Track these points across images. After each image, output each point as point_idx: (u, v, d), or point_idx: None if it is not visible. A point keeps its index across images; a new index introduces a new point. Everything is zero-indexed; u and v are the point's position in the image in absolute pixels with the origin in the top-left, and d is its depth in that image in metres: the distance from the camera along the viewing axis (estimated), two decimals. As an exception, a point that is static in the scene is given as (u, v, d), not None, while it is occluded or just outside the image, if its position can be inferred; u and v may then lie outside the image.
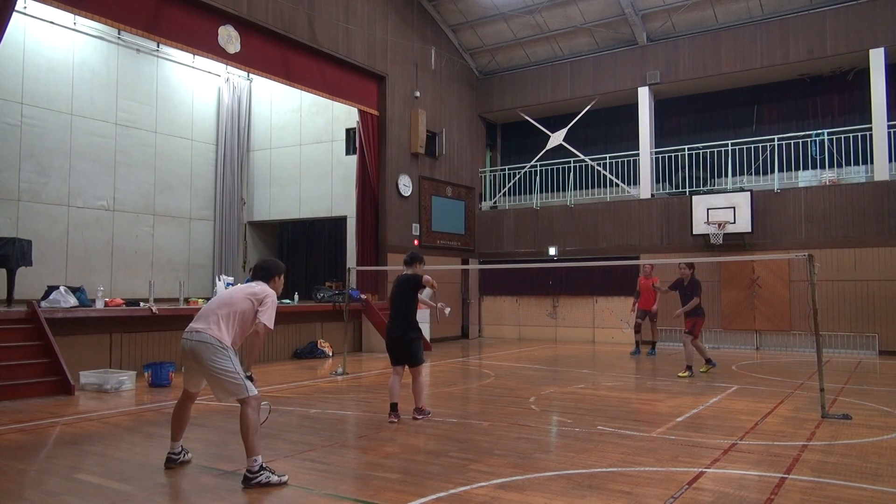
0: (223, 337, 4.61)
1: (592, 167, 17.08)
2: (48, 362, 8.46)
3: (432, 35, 17.01)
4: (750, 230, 14.20)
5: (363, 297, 14.06)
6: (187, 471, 4.88)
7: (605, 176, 16.93)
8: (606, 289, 16.31)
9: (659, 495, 4.25)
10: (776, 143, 14.90)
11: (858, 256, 13.62)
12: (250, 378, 4.64)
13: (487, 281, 18.08)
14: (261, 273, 5.03)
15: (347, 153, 16.42)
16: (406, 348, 6.74)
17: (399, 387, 6.74)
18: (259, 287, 4.84)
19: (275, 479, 4.41)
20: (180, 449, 4.98)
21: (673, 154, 16.14)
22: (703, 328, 14.87)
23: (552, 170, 17.69)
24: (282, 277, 5.12)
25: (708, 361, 10.70)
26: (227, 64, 13.25)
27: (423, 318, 15.01)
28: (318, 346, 12.97)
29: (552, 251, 17.01)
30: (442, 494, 4.26)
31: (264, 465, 4.44)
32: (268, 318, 4.68)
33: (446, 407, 7.66)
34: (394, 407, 6.65)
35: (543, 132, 17.86)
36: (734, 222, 14.24)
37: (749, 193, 14.31)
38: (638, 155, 16.34)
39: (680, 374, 10.15)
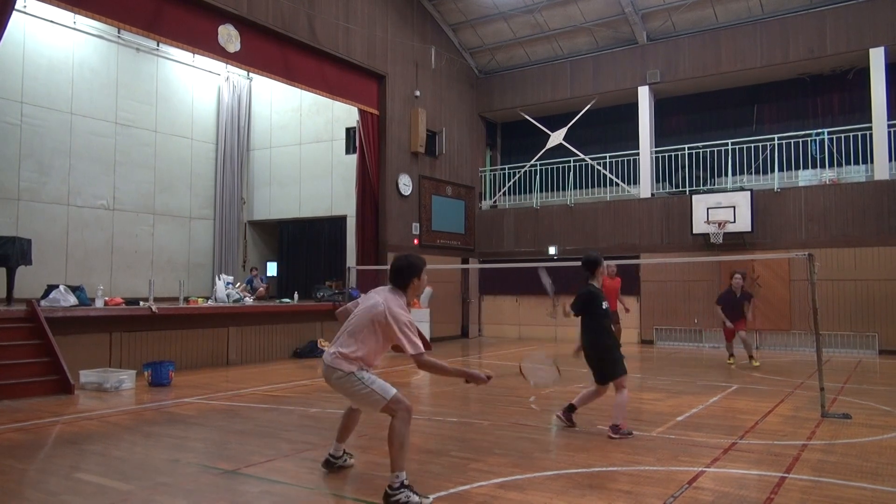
0: (342, 364, 4.20)
1: (592, 166, 17.08)
2: (48, 361, 8.45)
3: (432, 34, 17.01)
4: (750, 229, 14.19)
5: (362, 295, 14.05)
6: (187, 470, 4.88)
7: (605, 175, 16.92)
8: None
9: (659, 494, 4.25)
10: (776, 142, 14.90)
11: (858, 256, 13.62)
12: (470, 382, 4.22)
13: (487, 280, 18.08)
14: (395, 277, 4.41)
15: (347, 152, 16.42)
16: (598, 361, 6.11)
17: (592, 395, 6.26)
18: (388, 305, 4.20)
19: (415, 499, 3.97)
20: (342, 452, 4.78)
21: (673, 153, 16.13)
22: (704, 327, 14.98)
23: (552, 169, 17.68)
24: (423, 276, 4.44)
25: (732, 356, 11.55)
26: (227, 63, 13.27)
27: (423, 317, 15.04)
28: (319, 345, 12.96)
29: (552, 250, 17.01)
30: (442, 494, 4.26)
31: (406, 483, 4.03)
32: (411, 345, 4.10)
33: (447, 406, 7.66)
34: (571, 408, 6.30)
35: (543, 131, 17.85)
36: (734, 222, 14.24)
37: (749, 193, 14.31)
38: (638, 154, 16.34)
39: (755, 364, 11.03)
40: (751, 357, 11.17)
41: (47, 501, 4.19)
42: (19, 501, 4.23)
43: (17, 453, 5.38)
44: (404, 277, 4.38)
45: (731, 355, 11.45)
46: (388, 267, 15.38)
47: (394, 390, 4.21)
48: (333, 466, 4.74)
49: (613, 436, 5.84)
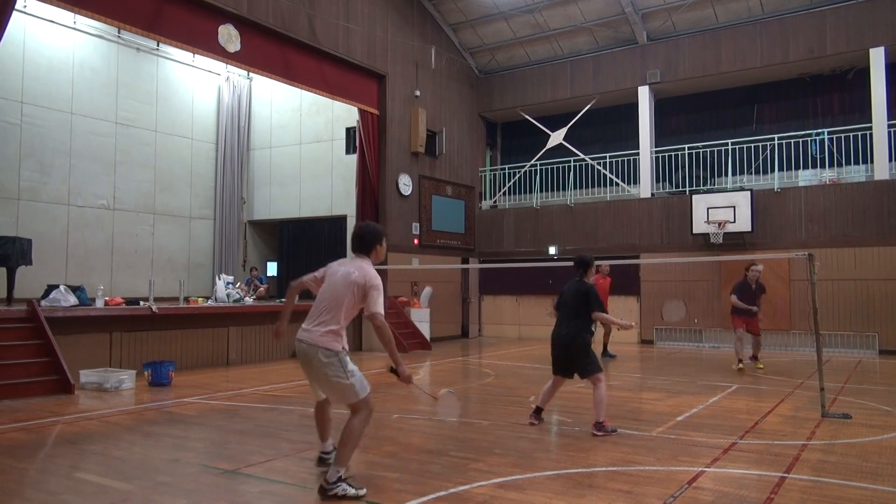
0: (331, 342, 4.19)
1: (592, 166, 17.08)
2: (48, 361, 8.46)
3: (432, 34, 17.01)
4: (750, 229, 14.19)
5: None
6: (187, 470, 4.88)
7: (605, 175, 16.92)
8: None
9: (659, 494, 4.25)
10: (776, 142, 14.90)
11: (858, 256, 13.62)
12: (394, 371, 4.32)
13: (487, 280, 18.08)
14: (358, 245, 4.47)
15: (347, 152, 16.42)
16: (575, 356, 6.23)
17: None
18: (358, 273, 4.26)
19: (351, 491, 4.11)
20: (332, 448, 4.75)
21: (673, 153, 16.13)
22: (704, 327, 14.99)
23: (552, 169, 17.68)
24: (384, 243, 4.55)
25: (753, 358, 11.16)
26: (227, 63, 13.26)
27: (423, 317, 15.05)
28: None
29: (552, 250, 17.01)
30: (442, 493, 4.26)
31: (343, 477, 4.15)
32: (376, 304, 4.19)
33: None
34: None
35: (543, 131, 17.86)
36: (734, 221, 14.24)
37: (749, 193, 14.31)
38: (638, 154, 16.34)
39: (758, 366, 10.77)
40: (755, 358, 11.03)
41: (48, 501, 4.19)
42: (20, 501, 4.23)
43: (17, 453, 5.39)
44: (367, 244, 4.45)
45: (741, 360, 10.65)
46: (386, 267, 15.29)
47: (369, 389, 4.27)
48: (327, 463, 4.72)
49: (598, 433, 5.89)
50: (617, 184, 16.81)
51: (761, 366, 10.91)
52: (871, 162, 13.93)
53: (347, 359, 4.24)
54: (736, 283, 10.91)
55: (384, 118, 15.37)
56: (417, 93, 16.28)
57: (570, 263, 6.74)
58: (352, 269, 4.31)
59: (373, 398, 4.33)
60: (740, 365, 10.60)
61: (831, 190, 14.08)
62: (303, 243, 18.02)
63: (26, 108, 13.30)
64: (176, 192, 16.37)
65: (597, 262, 7.00)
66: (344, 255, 16.21)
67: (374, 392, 4.41)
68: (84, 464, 5.09)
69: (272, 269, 18.60)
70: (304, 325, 4.33)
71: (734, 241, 14.53)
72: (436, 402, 4.87)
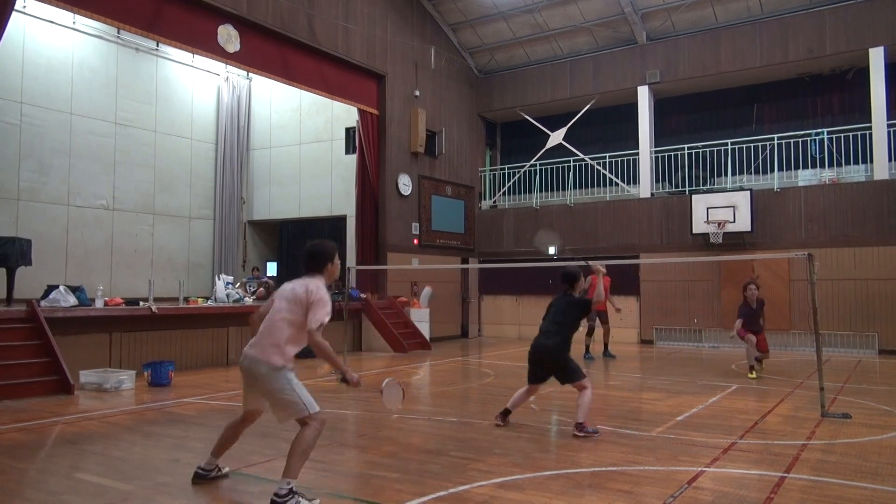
0: (273, 357, 4.13)
1: (592, 166, 17.08)
2: (48, 361, 8.45)
3: (432, 34, 17.01)
4: (750, 229, 14.20)
5: (363, 296, 14.07)
6: (187, 470, 4.87)
7: (604, 175, 16.93)
8: (606, 288, 16.31)
9: (659, 494, 4.25)
10: (776, 142, 14.90)
11: (858, 256, 13.62)
12: (344, 380, 4.24)
13: (487, 280, 18.08)
14: (309, 264, 4.39)
15: (347, 152, 16.42)
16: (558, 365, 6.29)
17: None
18: (306, 286, 4.21)
19: (304, 502, 3.99)
20: (215, 468, 4.56)
21: (673, 153, 16.14)
22: (704, 327, 14.99)
23: (552, 169, 17.68)
24: (336, 260, 4.43)
25: (752, 369, 10.63)
26: (226, 63, 13.27)
27: (423, 317, 15.05)
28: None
29: (552, 250, 17.01)
30: (442, 493, 4.26)
31: (295, 490, 3.99)
32: (314, 319, 4.10)
33: (446, 406, 7.66)
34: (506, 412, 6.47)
35: (543, 131, 17.86)
36: (734, 221, 14.24)
37: (749, 193, 14.31)
38: (638, 154, 16.34)
39: (749, 376, 10.26)
40: (752, 368, 10.34)
41: (47, 501, 4.19)
42: (20, 501, 4.23)
43: (17, 453, 5.39)
44: (318, 262, 4.37)
45: (753, 368, 10.28)
46: (387, 267, 15.29)
47: (317, 406, 4.17)
48: (205, 479, 4.51)
49: (578, 434, 5.89)
50: (617, 184, 16.82)
51: (753, 376, 10.60)
52: (871, 162, 13.93)
53: (293, 375, 4.18)
54: (739, 307, 10.52)
55: (384, 118, 15.38)
56: (417, 93, 16.28)
57: (570, 264, 6.75)
58: (298, 285, 4.27)
59: (325, 415, 4.24)
60: (753, 374, 10.17)
61: (831, 190, 14.08)
62: (302, 243, 17.83)
63: (25, 108, 13.30)
64: (175, 192, 16.36)
65: (593, 263, 7.00)
66: (344, 255, 16.30)
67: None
68: (84, 464, 5.09)
69: (272, 269, 18.60)
70: (250, 341, 4.29)
71: (734, 241, 14.53)
72: (381, 395, 4.73)
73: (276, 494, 3.95)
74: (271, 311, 4.29)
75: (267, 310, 4.36)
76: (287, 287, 4.34)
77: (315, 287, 4.19)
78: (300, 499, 3.96)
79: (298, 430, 4.15)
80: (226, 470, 4.65)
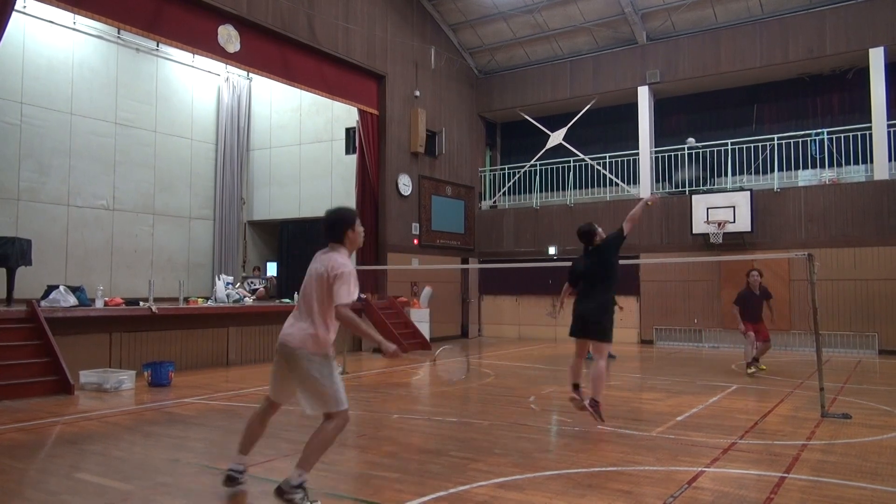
0: (311, 344, 3.96)
1: (592, 166, 17.08)
2: (48, 362, 8.45)
3: (432, 34, 17.01)
4: (750, 229, 14.20)
5: (363, 296, 14.06)
6: (187, 470, 4.88)
7: (604, 175, 16.93)
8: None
9: (659, 494, 4.25)
10: (776, 142, 14.90)
11: (858, 256, 13.62)
12: (378, 350, 4.05)
13: (487, 280, 18.08)
14: (328, 234, 4.14)
15: (347, 152, 16.42)
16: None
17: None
18: (326, 264, 3.99)
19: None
20: (245, 469, 4.28)
21: (673, 153, 16.14)
22: (704, 327, 14.99)
23: (552, 169, 17.68)
24: (357, 226, 4.17)
25: (754, 362, 10.69)
26: (226, 63, 13.28)
27: (423, 317, 15.05)
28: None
29: (552, 250, 17.01)
30: (442, 493, 4.26)
31: (305, 486, 3.89)
32: (338, 296, 3.87)
33: (446, 406, 7.66)
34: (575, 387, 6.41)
35: (543, 131, 17.86)
36: (734, 221, 14.24)
37: (749, 193, 14.31)
38: (638, 154, 16.34)
39: (749, 371, 10.31)
40: (749, 364, 10.40)
41: (47, 501, 4.19)
42: (20, 501, 4.24)
43: (17, 453, 5.39)
44: (337, 231, 4.13)
45: (749, 365, 10.33)
46: (387, 267, 15.26)
47: (346, 404, 4.00)
48: (236, 483, 4.26)
49: (590, 409, 6.10)
50: (617, 184, 16.81)
51: (763, 367, 10.72)
52: (871, 162, 13.93)
53: (332, 364, 4.03)
54: (739, 292, 10.54)
55: (384, 118, 15.38)
56: (417, 93, 16.28)
57: (570, 264, 6.74)
58: (320, 262, 4.05)
59: (349, 414, 4.09)
60: (751, 370, 10.21)
61: (831, 190, 14.08)
62: (302, 243, 18.01)
63: (26, 108, 13.30)
64: (175, 192, 16.36)
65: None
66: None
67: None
68: (84, 464, 5.09)
69: (272, 269, 18.61)
70: (285, 325, 4.10)
71: (734, 241, 14.53)
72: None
73: (285, 482, 3.84)
74: (303, 290, 4.09)
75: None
76: (312, 265, 4.13)
77: (335, 262, 3.96)
78: (305, 496, 3.86)
79: (321, 424, 3.97)
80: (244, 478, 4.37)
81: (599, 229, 6.64)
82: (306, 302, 4.05)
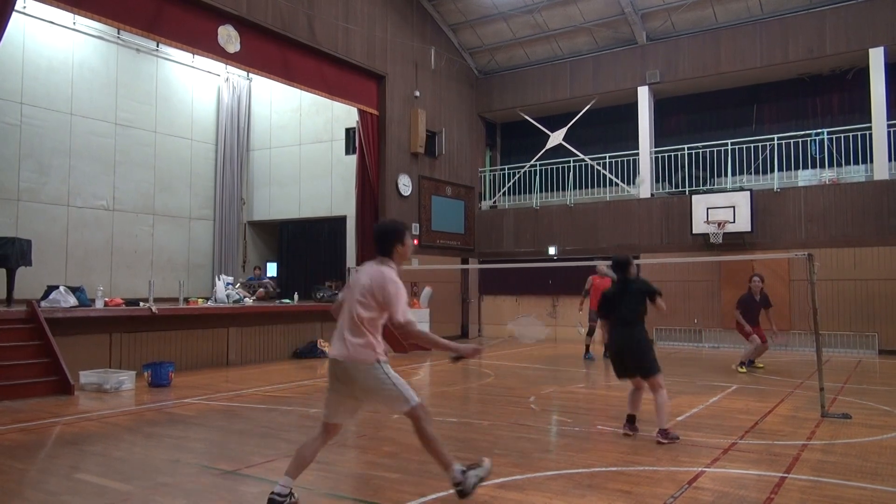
0: (364, 354, 3.91)
1: (592, 167, 17.08)
2: (48, 362, 8.45)
3: (432, 34, 17.01)
4: (750, 229, 14.19)
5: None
6: (187, 471, 4.88)
7: (604, 175, 16.93)
8: (606, 288, 16.30)
9: (659, 495, 4.25)
10: (776, 142, 14.90)
11: (858, 256, 13.62)
12: (458, 358, 4.04)
13: (487, 280, 18.08)
14: (378, 246, 4.10)
15: (347, 153, 16.43)
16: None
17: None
18: (375, 279, 3.95)
19: (479, 471, 3.97)
20: (290, 492, 3.93)
21: (673, 153, 16.13)
22: (704, 327, 14.99)
23: (552, 169, 17.68)
24: (407, 240, 4.11)
25: (748, 364, 10.82)
26: (226, 64, 13.27)
27: (423, 317, 15.04)
28: (318, 345, 12.96)
29: (552, 251, 17.01)
30: (442, 494, 4.26)
31: (464, 469, 3.93)
32: (398, 314, 3.86)
33: (446, 406, 7.65)
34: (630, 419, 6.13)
35: (543, 132, 17.86)
36: (734, 222, 14.23)
37: (749, 193, 14.31)
38: (638, 154, 16.34)
39: (741, 370, 10.51)
40: (743, 364, 10.60)
41: (47, 501, 4.19)
42: (20, 501, 4.24)
43: (17, 454, 5.39)
44: (387, 244, 4.08)
45: (749, 363, 10.64)
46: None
47: (417, 397, 3.99)
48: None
49: (663, 440, 5.68)
50: (617, 184, 16.81)
51: (761, 366, 10.84)
52: (871, 162, 13.93)
53: (388, 367, 3.98)
54: (741, 296, 10.85)
55: (384, 118, 15.37)
56: (417, 93, 16.28)
57: (570, 264, 6.73)
58: (365, 276, 4.03)
59: (425, 402, 4.07)
60: (742, 369, 10.48)
61: (831, 190, 14.08)
62: (302, 244, 18.02)
63: (26, 108, 13.30)
64: (175, 192, 16.36)
65: (595, 263, 7.02)
66: (344, 256, 16.32)
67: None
68: (84, 464, 5.09)
69: (272, 269, 18.61)
70: (333, 342, 4.06)
71: (734, 242, 14.53)
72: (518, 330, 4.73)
73: (455, 483, 3.92)
74: (347, 302, 4.05)
75: (339, 301, 4.18)
76: (359, 277, 4.09)
77: (384, 280, 3.93)
78: (471, 472, 3.94)
79: (415, 429, 3.95)
80: (297, 496, 4.07)
81: (633, 267, 6.45)
82: (351, 315, 3.99)
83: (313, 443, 4.06)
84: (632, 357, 6.04)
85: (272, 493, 3.89)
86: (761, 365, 10.82)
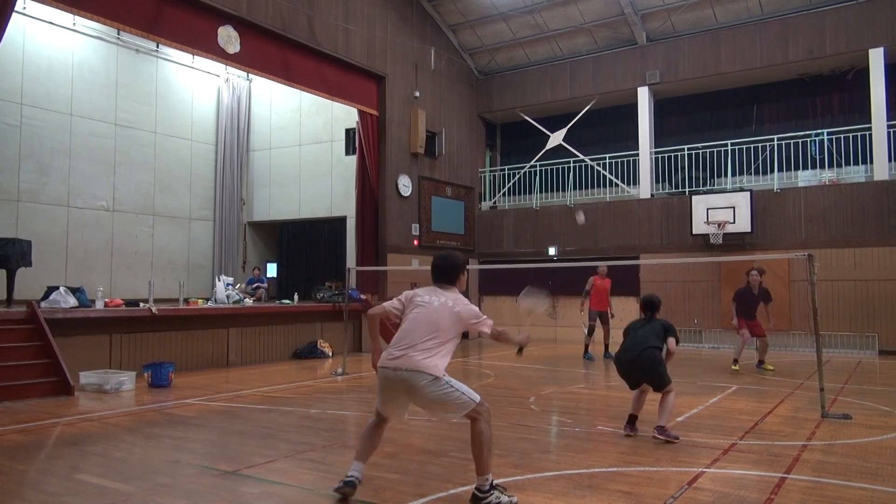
0: (434, 368, 4.03)
1: (592, 167, 17.08)
2: (48, 363, 8.45)
3: (432, 35, 17.01)
4: (750, 230, 14.20)
5: (363, 297, 14.06)
6: (188, 471, 4.88)
7: (604, 176, 16.93)
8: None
9: (659, 495, 4.25)
10: (776, 142, 14.90)
11: (858, 256, 13.62)
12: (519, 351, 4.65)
13: (487, 281, 18.08)
14: (442, 276, 4.50)
15: (347, 153, 16.43)
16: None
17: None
18: (457, 306, 4.32)
19: (505, 499, 4.01)
20: (359, 475, 4.22)
21: (673, 154, 16.14)
22: (704, 327, 14.98)
23: (552, 170, 17.69)
24: (466, 273, 4.68)
25: (758, 365, 10.88)
26: (226, 64, 13.28)
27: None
28: (318, 346, 12.96)
29: (552, 251, 17.01)
30: (442, 494, 4.26)
31: (495, 485, 4.05)
32: (484, 327, 4.37)
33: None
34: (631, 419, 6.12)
35: (543, 132, 17.86)
36: (734, 222, 14.24)
37: (749, 193, 14.31)
38: (637, 155, 16.34)
39: (768, 368, 10.60)
40: (761, 362, 10.75)
41: (48, 502, 4.19)
42: (20, 502, 4.23)
43: (17, 454, 5.38)
44: (452, 275, 4.51)
45: (736, 360, 10.74)
46: (387, 268, 15.20)
47: (478, 395, 4.14)
48: (354, 486, 4.17)
49: (659, 436, 5.71)
50: (617, 184, 16.82)
51: (771, 367, 10.65)
52: (871, 162, 13.93)
53: (449, 377, 4.12)
54: (738, 289, 10.86)
55: (384, 119, 15.38)
56: (417, 94, 16.28)
57: (570, 264, 6.73)
58: (449, 300, 4.32)
59: (486, 401, 4.21)
60: (735, 366, 10.59)
61: (831, 190, 14.08)
62: (302, 244, 18.02)
63: (26, 109, 13.30)
64: (175, 193, 16.36)
65: (597, 264, 7.01)
66: (344, 256, 16.31)
67: (374, 394, 4.38)
68: (84, 465, 5.09)
69: (272, 270, 18.61)
70: (393, 352, 4.12)
71: (734, 242, 14.53)
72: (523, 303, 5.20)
73: (478, 490, 4.01)
74: (415, 319, 4.22)
75: (395, 312, 4.33)
76: (434, 300, 4.32)
77: (466, 306, 4.37)
78: (498, 493, 4.02)
79: (471, 428, 4.09)
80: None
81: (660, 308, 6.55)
82: (422, 330, 4.16)
83: (374, 429, 4.33)
84: (643, 374, 6.03)
85: (350, 476, 4.16)
86: (771, 367, 10.65)
